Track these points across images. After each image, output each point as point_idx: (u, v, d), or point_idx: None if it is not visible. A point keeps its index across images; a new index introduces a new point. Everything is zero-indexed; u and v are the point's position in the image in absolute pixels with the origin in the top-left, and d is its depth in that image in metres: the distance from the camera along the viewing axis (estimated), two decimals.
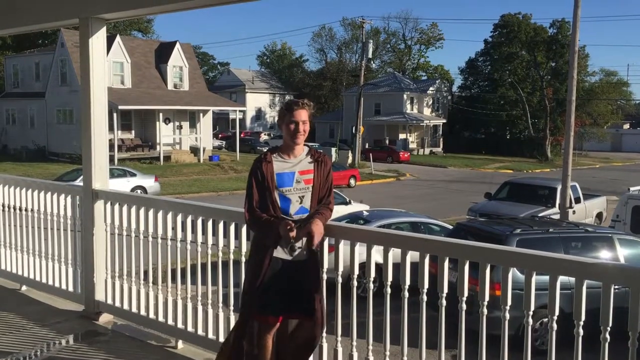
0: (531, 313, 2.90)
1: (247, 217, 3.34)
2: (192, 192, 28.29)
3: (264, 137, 59.63)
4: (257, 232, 3.37)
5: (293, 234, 3.15)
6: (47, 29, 8.50)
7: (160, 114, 38.24)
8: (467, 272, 3.08)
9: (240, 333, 3.40)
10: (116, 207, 4.70)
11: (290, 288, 3.34)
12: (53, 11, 5.05)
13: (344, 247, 3.54)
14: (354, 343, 3.53)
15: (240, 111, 49.59)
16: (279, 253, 3.31)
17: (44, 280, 5.37)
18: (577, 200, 19.28)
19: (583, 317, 2.74)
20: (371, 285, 3.43)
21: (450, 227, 13.72)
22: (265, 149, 3.67)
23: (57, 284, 5.25)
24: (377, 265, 3.36)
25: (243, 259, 3.89)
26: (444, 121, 62.03)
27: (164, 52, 41.98)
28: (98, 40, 4.75)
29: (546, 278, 2.84)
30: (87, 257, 4.88)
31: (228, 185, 30.87)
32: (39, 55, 42.94)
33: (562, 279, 2.81)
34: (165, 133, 38.85)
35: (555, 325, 2.85)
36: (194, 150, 40.43)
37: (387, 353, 3.38)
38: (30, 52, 44.85)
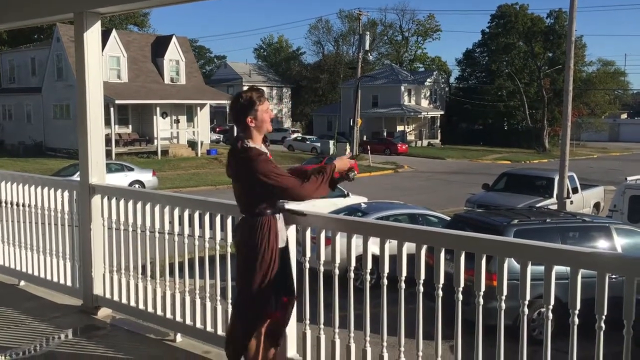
0: (527, 303, 2.91)
1: (306, 189, 3.25)
2: (191, 186, 28.29)
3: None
4: (319, 192, 3.31)
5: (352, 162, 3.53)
6: (42, 23, 8.47)
7: (158, 108, 38.19)
8: (464, 263, 3.09)
9: (259, 335, 3.43)
10: (113, 201, 4.71)
11: (287, 277, 3.47)
12: (47, 6, 5.04)
13: (340, 239, 3.54)
14: (352, 335, 3.55)
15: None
16: (281, 242, 3.39)
17: (42, 275, 5.38)
18: (575, 191, 19.31)
19: (578, 306, 2.75)
20: (368, 277, 3.45)
21: (448, 218, 13.74)
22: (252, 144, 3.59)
23: (55, 279, 5.26)
24: (374, 257, 3.37)
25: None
26: (442, 113, 62.00)
27: (160, 46, 41.87)
28: (93, 34, 4.74)
29: (542, 268, 2.86)
30: (85, 252, 4.89)
31: (226, 179, 30.25)
32: (35, 51, 42.81)
33: (559, 268, 2.83)
34: (162, 127, 38.81)
35: (550, 315, 2.87)
36: (192, 144, 40.39)
37: (385, 344, 3.40)
38: (26, 47, 44.69)
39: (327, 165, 3.42)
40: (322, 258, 3.62)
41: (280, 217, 3.41)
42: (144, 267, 4.59)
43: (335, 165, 3.43)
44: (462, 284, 3.10)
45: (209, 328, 4.15)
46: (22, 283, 5.67)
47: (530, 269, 2.90)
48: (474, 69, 67.40)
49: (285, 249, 3.47)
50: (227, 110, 54.79)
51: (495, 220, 10.72)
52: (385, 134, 55.85)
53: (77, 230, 5.00)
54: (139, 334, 4.56)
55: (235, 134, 3.51)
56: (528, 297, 2.91)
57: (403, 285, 3.31)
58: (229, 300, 4.04)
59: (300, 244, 3.74)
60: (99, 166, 4.88)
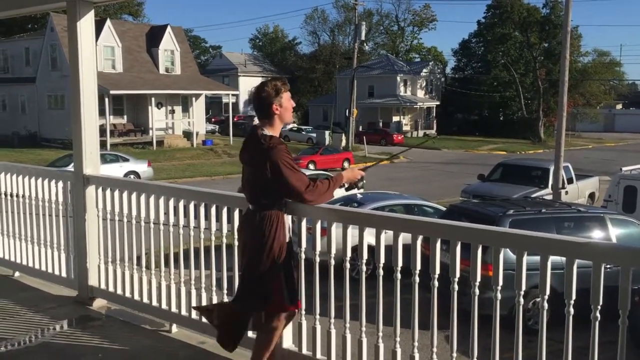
0: (522, 293, 2.91)
1: (313, 194, 3.27)
2: (186, 177, 28.24)
3: (257, 120, 59.30)
4: (323, 198, 3.37)
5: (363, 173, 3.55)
6: (35, 12, 8.40)
7: (153, 99, 38.02)
8: (459, 253, 3.09)
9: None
10: (108, 192, 4.68)
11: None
12: None
13: (336, 229, 3.54)
14: (347, 325, 3.55)
15: (233, 95, 49.41)
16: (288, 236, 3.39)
17: (37, 266, 5.36)
18: (570, 181, 19.35)
19: (574, 297, 2.75)
20: (364, 268, 3.44)
21: (444, 209, 13.75)
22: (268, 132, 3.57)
23: (50, 270, 5.24)
24: (370, 247, 3.37)
25: (236, 243, 3.88)
26: (438, 103, 61.93)
27: (155, 35, 41.64)
28: (86, 23, 4.70)
29: (538, 258, 2.85)
30: (80, 243, 4.87)
31: (222, 169, 30.83)
32: (29, 40, 42.54)
33: (555, 259, 2.83)
34: (157, 118, 38.66)
35: (546, 305, 2.87)
36: (187, 135, 40.28)
37: (380, 334, 3.40)
38: (19, 37, 44.40)
39: (337, 175, 3.47)
40: (318, 248, 3.61)
41: (287, 211, 3.39)
42: (139, 258, 4.58)
43: (343, 176, 3.49)
44: (457, 275, 3.10)
45: (204, 319, 4.14)
46: (17, 274, 5.65)
47: (525, 259, 2.90)
48: (470, 59, 67.30)
49: (290, 242, 3.44)
50: (223, 100, 54.49)
51: (490, 211, 10.73)
52: (381, 124, 55.79)
53: (71, 221, 4.98)
54: (134, 325, 4.55)
55: (254, 123, 3.50)
56: (524, 288, 2.91)
57: (399, 275, 3.31)
58: (224, 291, 4.04)
59: (296, 234, 3.72)
60: (93, 157, 4.86)
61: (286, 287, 3.34)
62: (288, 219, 3.41)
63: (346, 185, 3.53)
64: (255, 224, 3.31)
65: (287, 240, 3.38)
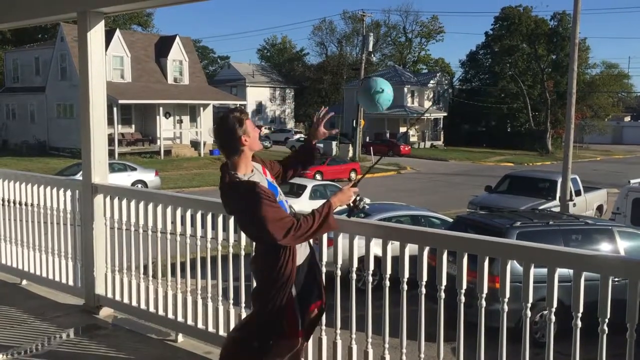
0: (529, 305, 2.90)
1: (290, 238, 2.91)
2: (193, 187, 28.33)
3: (264, 130, 59.53)
4: (317, 232, 3.05)
5: (355, 189, 3.26)
6: (45, 23, 8.48)
7: (161, 108, 38.23)
8: (466, 265, 3.08)
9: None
10: (115, 201, 4.70)
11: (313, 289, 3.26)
12: (51, 5, 5.04)
13: (342, 240, 3.54)
14: (354, 336, 3.54)
15: (240, 105, 49.55)
16: (299, 261, 3.13)
17: (44, 275, 5.38)
18: (578, 193, 19.27)
19: (581, 309, 2.74)
20: (370, 279, 3.44)
21: (451, 220, 13.72)
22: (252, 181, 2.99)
23: (57, 278, 5.26)
24: (377, 258, 3.36)
25: (242, 253, 3.90)
26: (445, 114, 61.92)
27: (163, 46, 41.95)
28: (96, 34, 4.74)
29: (545, 270, 2.85)
30: (87, 251, 4.89)
31: None
32: (39, 50, 42.94)
33: (562, 271, 2.82)
34: (165, 127, 38.86)
35: (553, 318, 2.86)
36: (195, 145, 40.46)
37: (387, 346, 3.39)
38: (30, 47, 44.83)
39: (325, 204, 3.08)
40: (324, 259, 3.61)
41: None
42: (145, 267, 4.59)
43: (332, 203, 3.11)
44: (464, 286, 3.09)
45: (210, 328, 4.15)
46: (24, 282, 5.67)
47: (532, 271, 2.89)
48: (478, 71, 67.31)
49: (304, 263, 3.19)
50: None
51: (497, 222, 10.70)
52: (388, 135, 55.80)
53: (79, 230, 5.00)
54: (140, 334, 4.56)
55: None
56: (531, 300, 2.89)
57: (405, 286, 3.30)
58: (230, 301, 4.04)
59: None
60: (102, 166, 4.88)
61: (300, 316, 3.12)
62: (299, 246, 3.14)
63: (348, 209, 3.29)
64: (260, 260, 3.11)
65: (299, 263, 3.12)
